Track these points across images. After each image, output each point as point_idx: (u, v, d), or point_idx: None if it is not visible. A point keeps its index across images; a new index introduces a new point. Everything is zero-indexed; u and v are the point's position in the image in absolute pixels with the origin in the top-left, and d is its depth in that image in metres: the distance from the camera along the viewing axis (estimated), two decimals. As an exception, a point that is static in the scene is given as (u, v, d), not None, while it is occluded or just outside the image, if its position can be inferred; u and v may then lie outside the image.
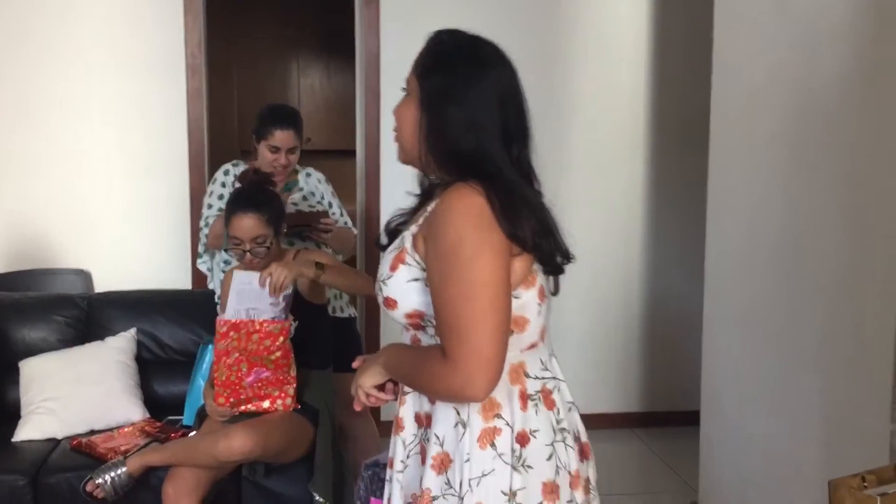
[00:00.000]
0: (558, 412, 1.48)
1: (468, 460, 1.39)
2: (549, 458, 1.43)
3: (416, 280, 1.42)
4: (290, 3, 6.50)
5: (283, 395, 2.57)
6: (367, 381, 1.54)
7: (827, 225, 2.49)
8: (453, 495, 1.40)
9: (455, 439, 1.41)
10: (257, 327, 2.50)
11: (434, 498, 1.41)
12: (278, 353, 2.52)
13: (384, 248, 1.56)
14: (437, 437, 1.42)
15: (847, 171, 2.40)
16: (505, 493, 1.38)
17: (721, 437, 3.14)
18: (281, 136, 2.99)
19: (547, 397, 1.47)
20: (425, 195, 1.56)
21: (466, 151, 1.42)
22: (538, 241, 1.42)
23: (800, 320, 2.63)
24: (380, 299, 1.49)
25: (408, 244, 1.45)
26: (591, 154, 4.28)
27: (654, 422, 4.39)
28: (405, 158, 1.54)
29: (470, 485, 1.38)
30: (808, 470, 2.56)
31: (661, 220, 4.39)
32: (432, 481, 1.41)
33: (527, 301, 1.44)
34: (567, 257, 1.50)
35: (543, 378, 1.48)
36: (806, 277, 2.60)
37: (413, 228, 1.46)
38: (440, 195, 1.42)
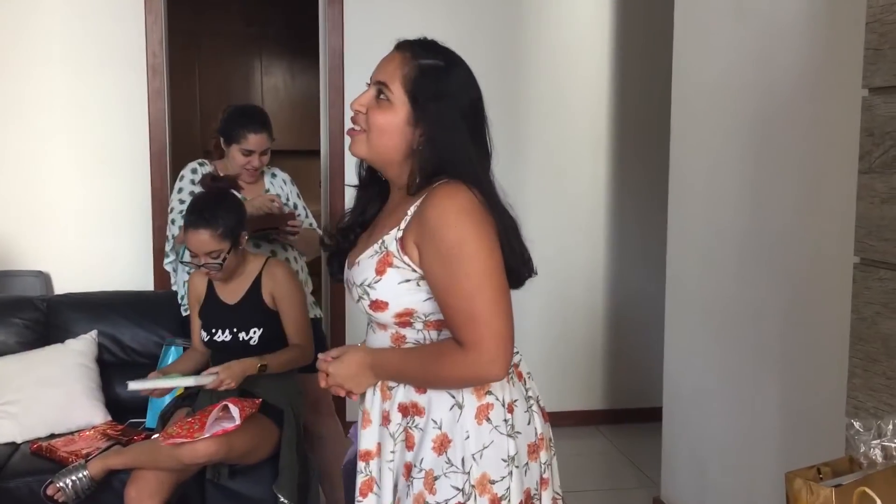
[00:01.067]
0: (525, 382, 1.62)
1: (468, 437, 1.49)
2: (529, 422, 1.58)
3: (408, 281, 1.49)
4: (254, 2, 6.45)
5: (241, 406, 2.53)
6: (366, 389, 1.59)
7: (786, 223, 2.55)
8: (456, 472, 1.49)
9: (453, 420, 1.50)
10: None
11: (436, 477, 1.49)
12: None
13: (329, 246, 1.66)
14: (435, 422, 1.50)
15: (804, 170, 2.45)
16: (505, 460, 1.51)
17: (682, 433, 3.19)
18: (254, 140, 2.97)
19: (516, 370, 1.61)
20: (364, 188, 1.65)
21: (460, 161, 1.49)
22: (520, 269, 1.54)
23: (758, 318, 2.68)
24: (364, 304, 1.53)
25: (392, 248, 1.49)
26: (554, 154, 4.31)
27: (618, 419, 4.44)
28: (375, 158, 1.56)
29: (473, 458, 1.49)
30: (767, 463, 2.61)
31: (623, 220, 4.43)
32: (433, 462, 1.50)
33: None
34: (531, 275, 1.60)
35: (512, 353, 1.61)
36: (764, 276, 2.65)
37: (396, 232, 1.50)
38: (427, 196, 1.47)
